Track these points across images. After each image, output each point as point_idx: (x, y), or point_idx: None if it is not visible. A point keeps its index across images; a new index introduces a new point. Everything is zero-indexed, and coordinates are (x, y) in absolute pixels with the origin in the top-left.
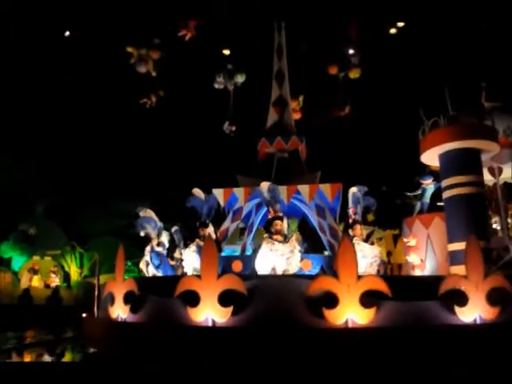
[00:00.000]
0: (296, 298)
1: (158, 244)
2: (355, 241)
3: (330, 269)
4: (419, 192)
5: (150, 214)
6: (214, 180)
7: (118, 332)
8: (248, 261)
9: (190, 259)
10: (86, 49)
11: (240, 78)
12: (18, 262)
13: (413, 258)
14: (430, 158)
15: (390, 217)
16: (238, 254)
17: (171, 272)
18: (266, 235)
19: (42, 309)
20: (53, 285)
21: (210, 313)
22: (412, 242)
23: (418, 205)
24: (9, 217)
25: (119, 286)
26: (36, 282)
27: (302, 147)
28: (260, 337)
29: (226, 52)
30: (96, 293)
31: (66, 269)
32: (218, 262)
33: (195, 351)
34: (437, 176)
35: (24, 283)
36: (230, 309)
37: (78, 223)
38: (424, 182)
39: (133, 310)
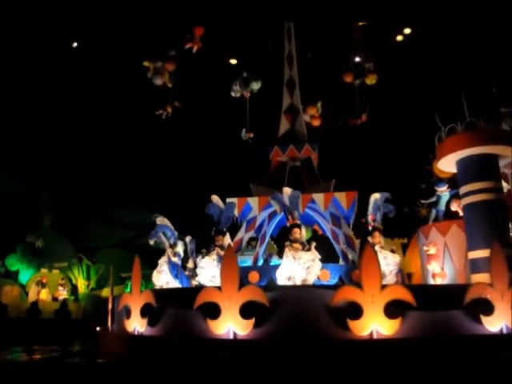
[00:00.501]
0: (319, 309)
1: (174, 254)
2: (377, 248)
3: (348, 279)
4: (434, 199)
5: (167, 222)
6: (222, 189)
7: (135, 346)
8: (265, 271)
9: (210, 269)
10: (93, 59)
11: (256, 85)
12: (26, 274)
13: (433, 267)
14: (447, 164)
15: (397, 225)
16: (248, 264)
17: (187, 283)
18: (287, 243)
19: (50, 322)
20: (61, 298)
21: (231, 325)
22: (432, 251)
23: (434, 212)
24: (16, 229)
25: (136, 299)
26: (44, 295)
27: (314, 155)
28: (283, 349)
29: (233, 61)
30: (110, 306)
31: (73, 281)
32: (238, 273)
33: (216, 364)
34: (449, 183)
35: (32, 296)
36: (252, 321)
37: (85, 235)
38: (439, 189)
39: (150, 323)
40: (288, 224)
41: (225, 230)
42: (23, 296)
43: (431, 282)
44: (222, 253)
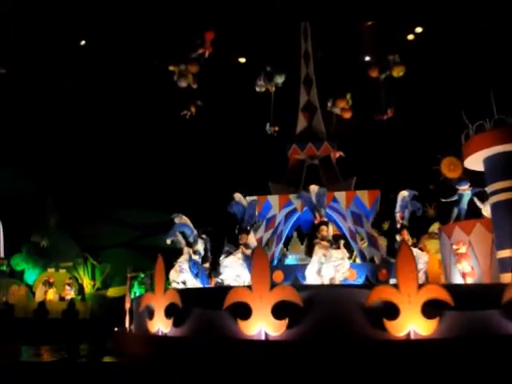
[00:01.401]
0: (355, 309)
1: (195, 252)
2: None
3: (375, 278)
4: (455, 198)
5: (186, 220)
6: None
7: (159, 347)
8: (289, 270)
9: (234, 268)
10: (96, 58)
11: (279, 79)
12: (31, 274)
13: (464, 266)
14: (474, 162)
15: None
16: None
17: (208, 281)
18: (316, 241)
19: (58, 322)
20: (68, 297)
21: (263, 326)
22: (463, 249)
23: (455, 211)
24: (21, 229)
25: (160, 299)
26: (51, 295)
27: (333, 153)
28: (318, 351)
29: (242, 60)
30: (127, 306)
31: (80, 281)
32: (270, 272)
33: (247, 366)
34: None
35: (39, 296)
36: (285, 321)
37: (90, 235)
38: (460, 187)
39: (176, 324)
40: (315, 222)
41: (249, 228)
42: (30, 296)
43: (457, 281)
44: (246, 251)
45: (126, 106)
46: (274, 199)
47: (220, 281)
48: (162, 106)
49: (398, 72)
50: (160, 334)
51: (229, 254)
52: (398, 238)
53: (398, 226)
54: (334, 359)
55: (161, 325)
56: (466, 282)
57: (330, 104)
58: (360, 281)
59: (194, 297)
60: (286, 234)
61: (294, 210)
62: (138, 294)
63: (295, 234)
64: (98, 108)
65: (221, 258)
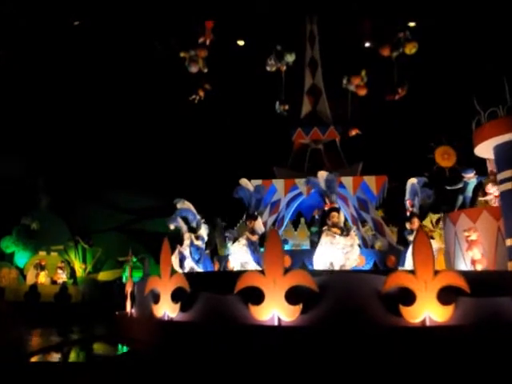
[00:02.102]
0: (370, 295)
1: (197, 237)
2: None
3: (383, 264)
4: (461, 186)
5: (188, 205)
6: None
7: (165, 332)
8: (296, 255)
9: (240, 254)
10: (89, 38)
11: (290, 58)
12: (22, 257)
13: (474, 253)
14: (484, 150)
15: (395, 213)
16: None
17: (211, 267)
18: (325, 227)
19: (50, 306)
20: (60, 281)
21: (275, 311)
22: (473, 236)
23: (460, 199)
24: (11, 211)
25: (166, 283)
26: (43, 278)
27: (339, 138)
28: (334, 336)
29: (241, 43)
30: (129, 290)
31: (71, 264)
32: (283, 256)
33: (258, 351)
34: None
35: (30, 279)
36: (299, 307)
37: (82, 218)
38: (466, 175)
39: (183, 309)
40: (326, 208)
41: (256, 213)
42: (21, 279)
43: (461, 268)
44: (252, 237)
45: (121, 87)
46: (279, 183)
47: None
48: (158, 86)
49: (410, 49)
50: (166, 318)
51: (235, 240)
52: (407, 225)
53: (408, 213)
54: (349, 345)
55: (167, 309)
56: (476, 269)
57: (344, 81)
58: (368, 267)
59: (202, 281)
60: (288, 219)
61: (298, 195)
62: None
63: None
64: (92, 88)
65: (228, 245)
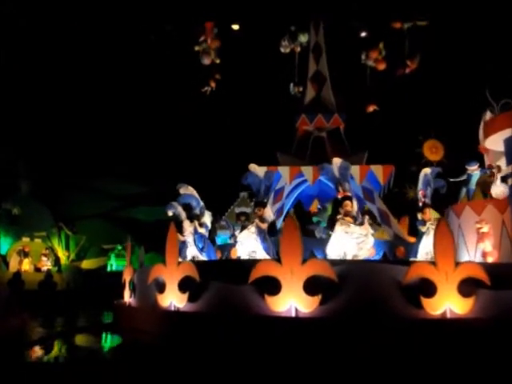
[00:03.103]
0: (391, 286)
1: (201, 225)
2: (429, 225)
3: (392, 255)
4: (464, 178)
5: (192, 191)
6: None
7: (171, 322)
8: (305, 245)
9: (249, 243)
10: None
11: (303, 38)
12: (3, 243)
13: (486, 245)
14: (494, 142)
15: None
16: None
17: (215, 256)
18: (339, 216)
19: (34, 294)
20: (44, 268)
21: (293, 302)
22: (485, 228)
23: (464, 191)
24: None
25: (173, 271)
26: (26, 265)
27: (343, 126)
28: (353, 328)
29: (235, 27)
30: (127, 278)
31: (55, 252)
32: (301, 245)
33: (274, 344)
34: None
35: (13, 266)
36: (318, 297)
37: (65, 203)
38: (470, 168)
39: (192, 299)
40: (339, 196)
41: (266, 200)
42: (2, 266)
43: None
44: (262, 225)
45: (109, 71)
46: (284, 170)
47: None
48: (148, 71)
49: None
50: (172, 308)
51: (243, 228)
52: (419, 216)
53: (420, 204)
54: (369, 338)
55: (174, 299)
56: (487, 261)
57: (363, 57)
58: (378, 257)
59: (212, 270)
60: (288, 208)
61: (300, 184)
62: (114, 267)
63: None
64: (80, 72)
65: (236, 233)
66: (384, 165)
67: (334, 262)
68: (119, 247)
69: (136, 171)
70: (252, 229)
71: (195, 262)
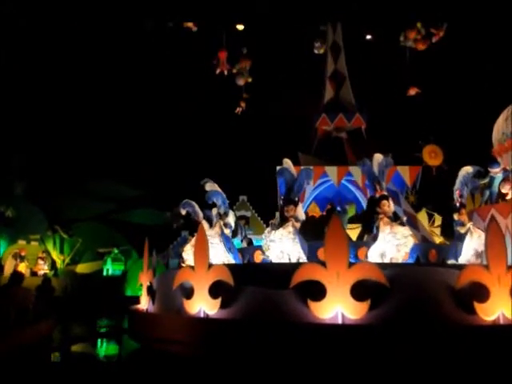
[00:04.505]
0: (443, 291)
1: (226, 225)
2: (470, 226)
3: (425, 258)
4: (487, 180)
5: (217, 188)
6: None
7: (201, 330)
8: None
9: (284, 243)
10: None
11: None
12: None
13: None
14: None
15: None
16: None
17: (239, 259)
18: (381, 216)
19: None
20: (40, 273)
21: (339, 308)
22: None
23: (487, 194)
24: None
25: (202, 276)
26: (22, 269)
27: (365, 126)
28: (403, 335)
29: (240, 27)
30: (146, 283)
31: (51, 255)
32: (348, 247)
33: (319, 353)
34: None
35: (8, 270)
36: (367, 303)
37: (60, 206)
38: (492, 170)
39: (224, 305)
40: (377, 195)
41: (297, 199)
42: None
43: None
44: (296, 224)
45: (104, 73)
46: (331, 170)
47: (266, 257)
48: (144, 72)
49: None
50: (202, 315)
51: (274, 226)
52: (456, 217)
53: (457, 204)
54: (423, 345)
55: (203, 305)
56: None
57: (401, 38)
58: (411, 261)
59: (247, 274)
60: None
61: (320, 185)
62: (110, 272)
63: (277, 213)
64: (74, 74)
65: (266, 232)
66: (411, 165)
67: (383, 265)
68: (116, 251)
69: (134, 173)
70: (289, 228)
71: (228, 266)
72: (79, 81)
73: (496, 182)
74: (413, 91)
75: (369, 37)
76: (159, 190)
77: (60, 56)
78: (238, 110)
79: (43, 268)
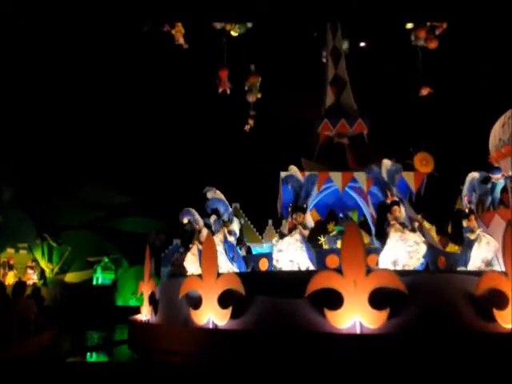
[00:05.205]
0: (461, 297)
1: (230, 233)
2: (479, 232)
3: (434, 265)
4: (489, 186)
5: (220, 195)
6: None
7: (210, 342)
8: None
9: (292, 251)
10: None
11: (344, 46)
12: None
13: None
14: None
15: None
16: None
17: (245, 267)
18: (392, 222)
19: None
20: (29, 282)
21: (357, 317)
22: None
23: (489, 200)
24: None
25: (210, 285)
26: (11, 278)
27: (367, 131)
28: (425, 343)
29: (234, 34)
30: (148, 293)
31: (40, 264)
32: (365, 254)
33: (337, 364)
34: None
35: None
36: (386, 311)
37: (49, 213)
38: (494, 176)
39: (235, 315)
40: (387, 201)
41: (305, 206)
42: None
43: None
44: (305, 232)
45: (96, 77)
46: (336, 176)
47: (273, 266)
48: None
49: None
50: (210, 326)
51: (282, 235)
52: (465, 223)
53: (466, 210)
54: (444, 354)
55: (212, 316)
56: None
57: (412, 38)
58: (421, 268)
59: (256, 282)
60: None
61: (323, 190)
62: (100, 281)
63: (270, 221)
64: (65, 78)
65: (274, 241)
66: (416, 171)
67: (400, 273)
68: (106, 259)
69: (124, 180)
70: (296, 236)
71: (239, 274)
72: (71, 87)
73: (498, 188)
74: (425, 91)
75: (363, 44)
76: (149, 197)
77: (52, 63)
78: (247, 127)
79: (32, 277)
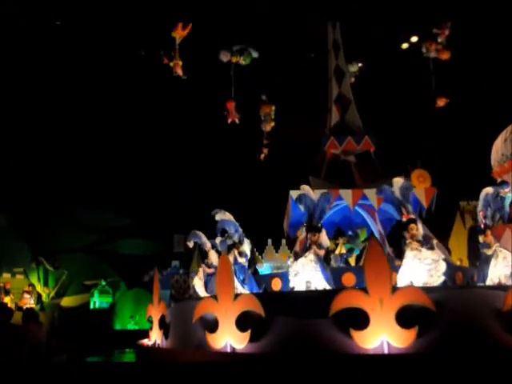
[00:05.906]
0: (488, 313)
1: (240, 254)
2: (497, 248)
3: (451, 281)
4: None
5: (229, 216)
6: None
7: (230, 366)
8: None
9: (307, 272)
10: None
11: (353, 68)
12: None
13: None
14: None
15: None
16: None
17: (257, 288)
18: (408, 241)
19: None
20: (26, 307)
21: (384, 337)
22: None
23: (498, 214)
24: None
25: (228, 307)
26: (8, 303)
27: (373, 149)
28: (455, 362)
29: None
30: (157, 316)
31: (37, 288)
32: (390, 272)
33: None
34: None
35: None
36: (414, 330)
37: (45, 237)
38: (502, 190)
39: (254, 338)
40: (404, 219)
41: (320, 225)
42: None
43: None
44: (320, 252)
45: (95, 96)
46: (346, 194)
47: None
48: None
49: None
50: (228, 350)
51: (297, 256)
52: (481, 239)
53: (482, 226)
54: (475, 372)
55: (230, 339)
56: None
57: (424, 50)
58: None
59: (276, 303)
60: None
61: (334, 207)
62: (98, 305)
63: (270, 241)
64: (58, 96)
65: (289, 262)
66: (426, 187)
67: (427, 289)
68: (103, 283)
69: (120, 202)
70: (310, 256)
71: (257, 295)
72: (68, 107)
73: (506, 202)
74: (441, 102)
75: (360, 64)
76: (146, 219)
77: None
78: (262, 156)
79: (29, 302)
